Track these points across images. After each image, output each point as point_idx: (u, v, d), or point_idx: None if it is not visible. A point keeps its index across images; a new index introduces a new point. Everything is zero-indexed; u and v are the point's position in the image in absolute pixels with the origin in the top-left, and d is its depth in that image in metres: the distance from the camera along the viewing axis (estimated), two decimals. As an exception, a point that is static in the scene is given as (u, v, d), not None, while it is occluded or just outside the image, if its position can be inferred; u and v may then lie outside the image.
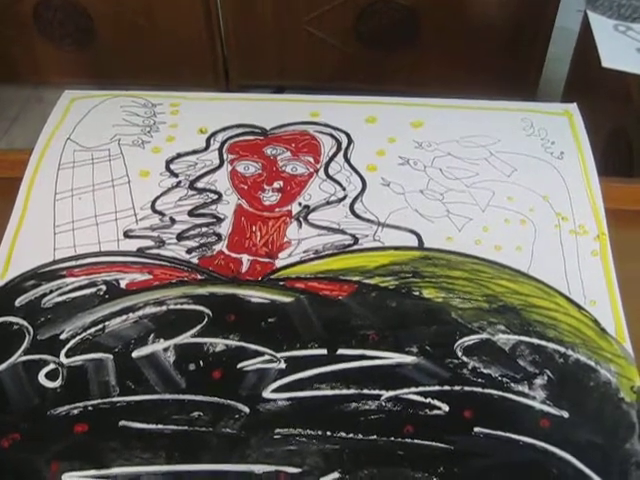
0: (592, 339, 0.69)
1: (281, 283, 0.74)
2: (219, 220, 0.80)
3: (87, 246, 0.78)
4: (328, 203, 0.82)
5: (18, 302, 0.73)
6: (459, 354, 0.68)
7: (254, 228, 0.79)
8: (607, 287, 0.74)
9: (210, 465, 0.62)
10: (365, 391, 0.65)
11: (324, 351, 0.68)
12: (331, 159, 0.86)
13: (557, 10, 1.84)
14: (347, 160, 0.86)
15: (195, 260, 0.76)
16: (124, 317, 0.71)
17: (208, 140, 0.89)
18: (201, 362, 0.68)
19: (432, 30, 1.94)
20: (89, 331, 0.70)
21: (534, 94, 1.98)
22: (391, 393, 0.65)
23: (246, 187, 0.84)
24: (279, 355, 0.68)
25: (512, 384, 0.66)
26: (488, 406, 0.65)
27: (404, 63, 2.01)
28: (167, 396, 0.66)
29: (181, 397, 0.65)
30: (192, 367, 0.67)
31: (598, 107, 1.20)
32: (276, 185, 0.84)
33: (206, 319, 0.71)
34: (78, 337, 0.70)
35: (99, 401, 0.65)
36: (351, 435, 0.63)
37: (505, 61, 1.95)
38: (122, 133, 0.90)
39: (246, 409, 0.65)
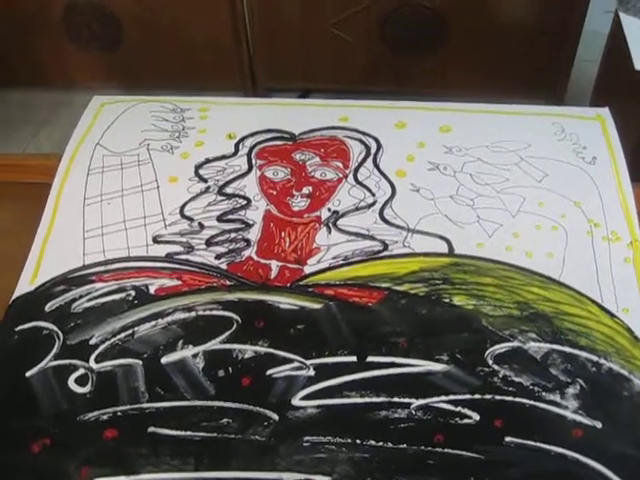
0: (625, 348, 0.68)
1: (310, 289, 0.74)
2: (248, 226, 0.80)
3: (116, 251, 0.78)
4: (357, 209, 0.81)
5: (48, 307, 0.73)
6: (490, 362, 0.67)
7: (283, 234, 0.79)
8: (640, 295, 0.73)
9: (239, 472, 0.61)
10: (395, 399, 0.65)
11: (353, 358, 0.68)
12: (360, 164, 0.86)
13: (586, 13, 1.82)
14: (376, 165, 0.86)
15: (224, 266, 0.76)
16: (153, 323, 0.71)
17: (237, 145, 0.89)
18: (230, 368, 0.68)
19: (459, 33, 1.93)
20: (118, 336, 0.70)
21: (562, 98, 1.96)
22: (421, 401, 0.65)
23: (275, 192, 0.83)
24: (308, 362, 0.68)
25: (544, 393, 0.65)
26: (519, 415, 0.64)
27: (430, 66, 2.00)
28: (196, 402, 0.66)
29: (210, 404, 0.65)
30: (221, 373, 0.67)
31: (629, 111, 1.18)
32: (305, 191, 0.83)
33: (235, 325, 0.71)
34: (107, 342, 0.70)
35: (128, 407, 0.65)
36: (381, 443, 0.62)
37: (533, 65, 1.94)
38: (151, 138, 0.90)
39: (275, 416, 0.64)
